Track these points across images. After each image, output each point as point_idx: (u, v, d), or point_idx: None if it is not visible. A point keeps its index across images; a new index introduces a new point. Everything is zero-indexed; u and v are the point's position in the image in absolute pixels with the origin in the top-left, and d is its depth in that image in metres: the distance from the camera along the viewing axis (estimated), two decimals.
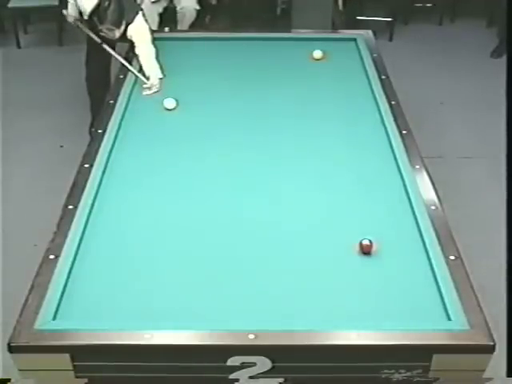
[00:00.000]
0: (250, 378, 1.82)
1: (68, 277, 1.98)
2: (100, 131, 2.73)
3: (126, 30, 3.27)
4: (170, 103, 2.93)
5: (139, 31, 3.27)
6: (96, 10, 3.24)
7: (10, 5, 5.32)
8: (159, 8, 4.77)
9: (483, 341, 1.76)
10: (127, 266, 2.06)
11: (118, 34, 3.26)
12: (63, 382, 1.85)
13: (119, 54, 3.38)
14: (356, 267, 2.05)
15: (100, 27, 3.29)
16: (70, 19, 3.67)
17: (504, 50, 4.58)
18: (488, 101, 4.39)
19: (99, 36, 3.44)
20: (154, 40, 3.29)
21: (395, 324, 1.82)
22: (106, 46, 3.44)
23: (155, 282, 1.99)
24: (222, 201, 2.35)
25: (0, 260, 3.10)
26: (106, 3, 3.17)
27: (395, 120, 2.79)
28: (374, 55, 3.39)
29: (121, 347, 1.78)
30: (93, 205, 2.29)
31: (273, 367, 1.79)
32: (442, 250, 2.06)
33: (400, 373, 1.81)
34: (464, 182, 3.81)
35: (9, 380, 2.06)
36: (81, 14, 3.48)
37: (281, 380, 1.84)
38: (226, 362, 1.78)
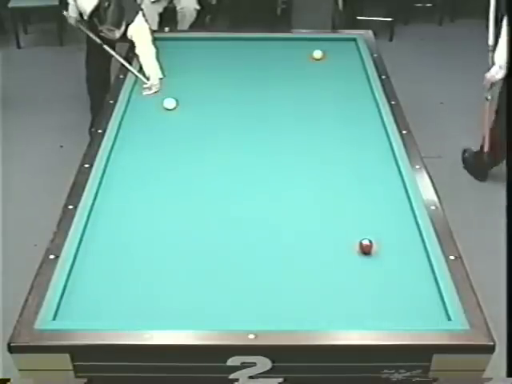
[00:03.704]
0: (250, 378, 1.82)
1: (68, 277, 1.98)
2: (100, 131, 2.73)
3: (126, 31, 3.27)
4: (170, 103, 2.94)
5: (139, 31, 3.27)
6: (96, 10, 3.24)
7: (10, 5, 5.32)
8: (159, 8, 4.77)
9: (483, 341, 1.76)
10: (127, 265, 2.06)
11: (118, 34, 3.27)
12: (63, 382, 1.85)
13: (119, 54, 3.38)
14: (356, 267, 2.05)
15: (100, 28, 3.29)
16: (71, 21, 3.67)
17: None
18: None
19: (100, 37, 3.44)
20: (155, 40, 3.29)
21: (395, 324, 1.82)
22: (106, 47, 3.44)
23: (155, 282, 1.99)
24: (221, 200, 2.35)
25: (0, 260, 3.10)
26: (106, 4, 3.17)
27: (395, 120, 2.79)
28: (374, 55, 3.39)
29: (121, 347, 1.78)
30: (93, 205, 2.29)
31: (273, 367, 1.79)
32: (442, 250, 2.06)
33: (400, 373, 1.81)
34: (464, 182, 3.81)
35: (8, 380, 2.06)
36: (81, 14, 3.48)
37: (280, 380, 1.84)
38: (225, 362, 1.78)
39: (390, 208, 2.31)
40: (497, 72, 3.31)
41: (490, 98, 3.50)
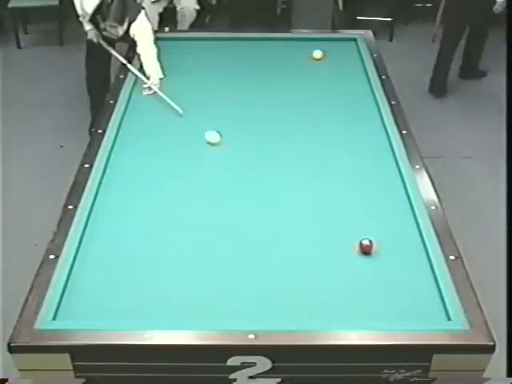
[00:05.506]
0: (250, 378, 1.82)
1: (68, 277, 1.98)
2: (100, 131, 2.73)
3: (128, 29, 3.27)
4: (212, 137, 2.68)
5: (142, 30, 3.27)
6: (99, 7, 3.24)
7: (10, 5, 5.32)
8: (159, 8, 4.77)
9: (483, 341, 1.76)
10: (127, 266, 2.06)
11: (120, 31, 3.26)
12: (63, 382, 1.85)
13: (119, 54, 3.37)
14: (356, 267, 2.05)
15: (103, 25, 3.29)
16: (91, 35, 3.55)
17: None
18: (488, 101, 4.39)
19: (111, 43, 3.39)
20: (157, 40, 3.29)
21: (395, 324, 1.82)
22: (126, 63, 3.27)
23: (155, 282, 1.99)
24: (222, 202, 2.35)
25: (0, 260, 3.10)
26: (109, 0, 3.17)
27: (395, 120, 2.79)
28: (374, 55, 3.39)
29: (121, 347, 1.78)
30: (93, 205, 2.29)
31: (273, 367, 1.80)
32: (442, 249, 2.06)
33: (400, 373, 1.81)
34: (464, 182, 3.81)
35: (6, 380, 2.06)
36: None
37: (280, 380, 1.84)
38: (225, 362, 1.78)
39: (390, 208, 2.31)
40: None
41: None
